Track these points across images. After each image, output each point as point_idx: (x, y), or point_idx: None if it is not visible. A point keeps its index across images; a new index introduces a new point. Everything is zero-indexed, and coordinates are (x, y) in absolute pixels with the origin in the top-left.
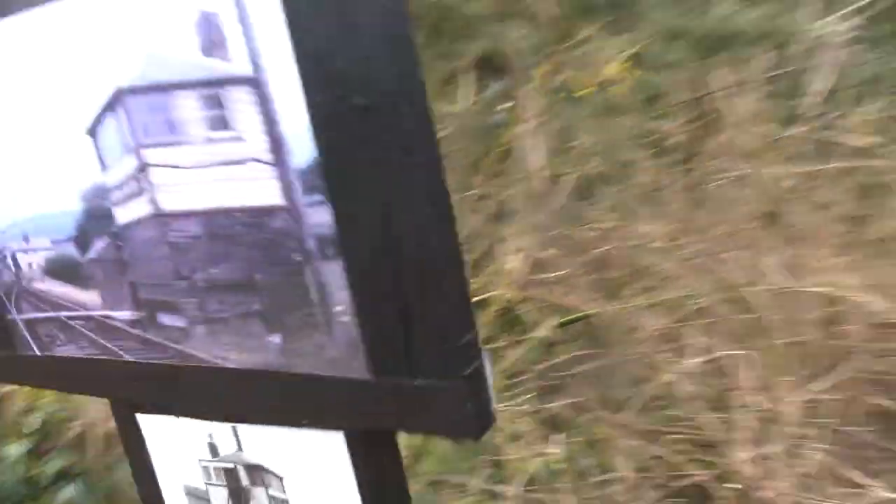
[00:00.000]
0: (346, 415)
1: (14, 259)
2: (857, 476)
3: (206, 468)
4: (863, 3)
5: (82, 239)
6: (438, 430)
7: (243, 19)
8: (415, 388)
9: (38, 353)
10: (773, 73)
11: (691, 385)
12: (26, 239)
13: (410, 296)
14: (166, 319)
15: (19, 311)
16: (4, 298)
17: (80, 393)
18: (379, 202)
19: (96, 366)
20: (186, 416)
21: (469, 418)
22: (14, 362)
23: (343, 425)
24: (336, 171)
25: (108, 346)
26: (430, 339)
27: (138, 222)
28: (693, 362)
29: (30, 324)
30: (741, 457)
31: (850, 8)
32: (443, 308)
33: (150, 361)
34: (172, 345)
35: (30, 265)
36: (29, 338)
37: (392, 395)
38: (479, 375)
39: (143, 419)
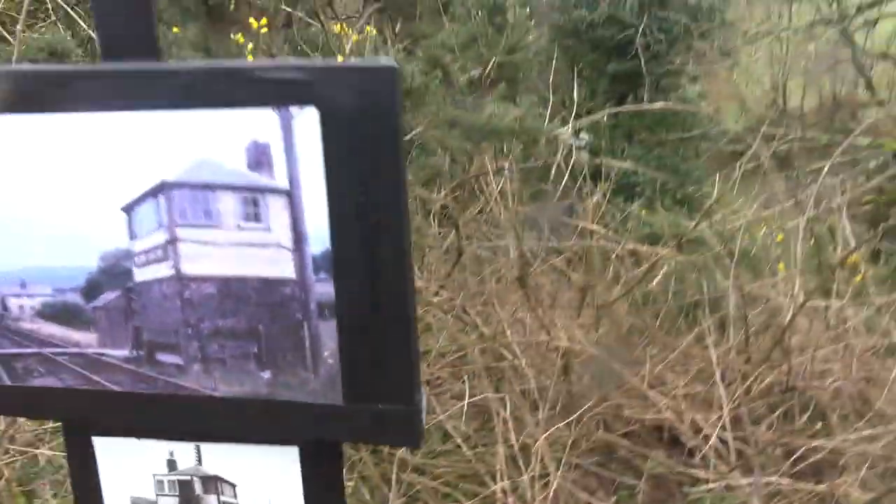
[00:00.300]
0: (318, 431)
1: (3, 302)
2: (588, 499)
3: (160, 481)
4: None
5: (90, 290)
6: (392, 441)
7: (289, 150)
8: (377, 411)
9: (8, 382)
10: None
11: (453, 424)
12: (23, 286)
13: (381, 347)
14: (164, 358)
15: None
16: None
17: (45, 418)
18: (367, 282)
19: (72, 395)
20: (157, 437)
21: (414, 432)
22: None
23: (315, 439)
24: (341, 260)
25: (94, 378)
26: (390, 376)
27: (157, 281)
28: (456, 405)
29: (6, 358)
30: (500, 486)
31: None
32: (402, 355)
33: (138, 392)
34: (166, 378)
35: (20, 308)
36: (2, 370)
37: (358, 417)
38: (420, 402)
39: (97, 441)
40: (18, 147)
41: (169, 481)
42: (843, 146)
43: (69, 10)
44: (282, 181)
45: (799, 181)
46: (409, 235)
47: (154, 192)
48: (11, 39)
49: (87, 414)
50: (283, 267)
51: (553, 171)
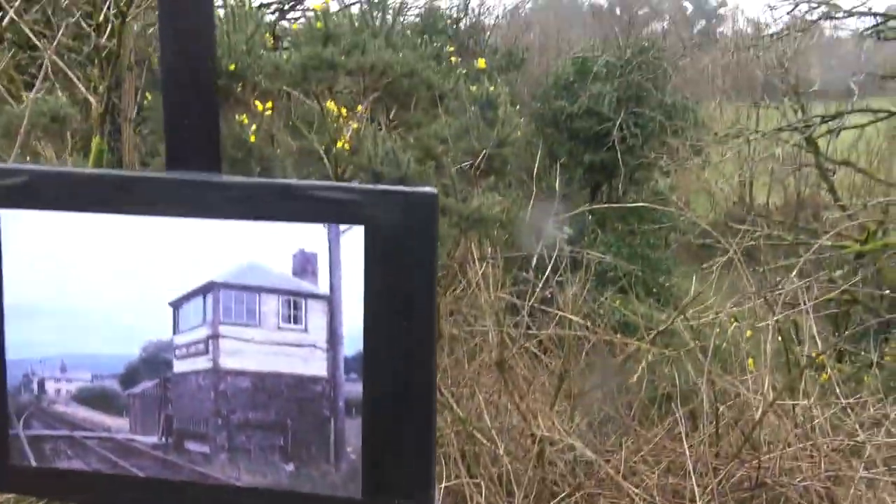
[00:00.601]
0: None
1: (41, 385)
2: None
3: None
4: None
5: (128, 378)
6: None
7: (333, 261)
8: None
9: (34, 463)
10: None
11: None
12: (64, 370)
13: (402, 443)
14: (192, 446)
15: (27, 428)
16: (13, 416)
17: (67, 500)
18: (394, 383)
19: (97, 479)
20: None
21: None
22: (5, 471)
23: None
24: (371, 361)
25: (120, 462)
26: (409, 471)
27: (194, 373)
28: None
29: (35, 439)
30: None
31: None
32: (420, 451)
33: (162, 478)
34: (191, 466)
35: (57, 391)
36: (29, 451)
37: None
38: (434, 496)
39: None
40: (76, 242)
41: None
42: (811, 251)
43: (69, 72)
44: (323, 288)
45: (765, 277)
46: (434, 343)
47: (202, 291)
48: (12, 102)
49: (110, 498)
50: (316, 365)
51: (534, 261)
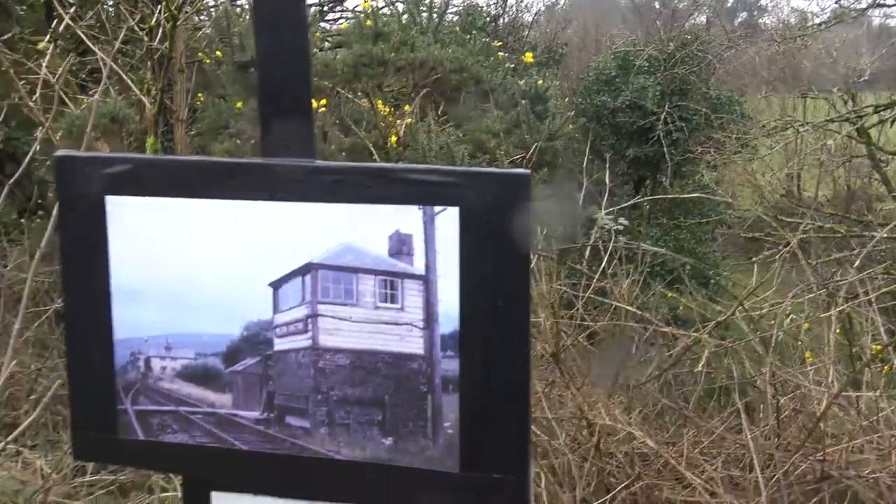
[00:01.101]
0: (430, 497)
1: (147, 363)
2: None
3: None
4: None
5: (231, 356)
6: None
7: (428, 241)
8: (491, 480)
9: (141, 437)
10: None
11: None
12: (169, 348)
13: (499, 419)
14: (293, 421)
15: (134, 403)
16: (121, 392)
17: (171, 472)
18: (490, 360)
19: (201, 451)
20: (274, 495)
21: (525, 501)
22: (112, 444)
23: None
24: (468, 339)
25: (224, 436)
26: (506, 446)
27: (294, 351)
28: None
29: (142, 414)
30: None
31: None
32: (518, 427)
33: (263, 451)
34: (292, 440)
35: (163, 368)
36: (136, 425)
37: (472, 484)
38: (530, 472)
39: (216, 496)
40: (179, 227)
41: None
42: (872, 242)
43: (123, 75)
44: (419, 267)
45: (816, 271)
46: (529, 319)
47: (301, 272)
48: (70, 104)
49: (212, 470)
50: (412, 344)
51: (587, 252)
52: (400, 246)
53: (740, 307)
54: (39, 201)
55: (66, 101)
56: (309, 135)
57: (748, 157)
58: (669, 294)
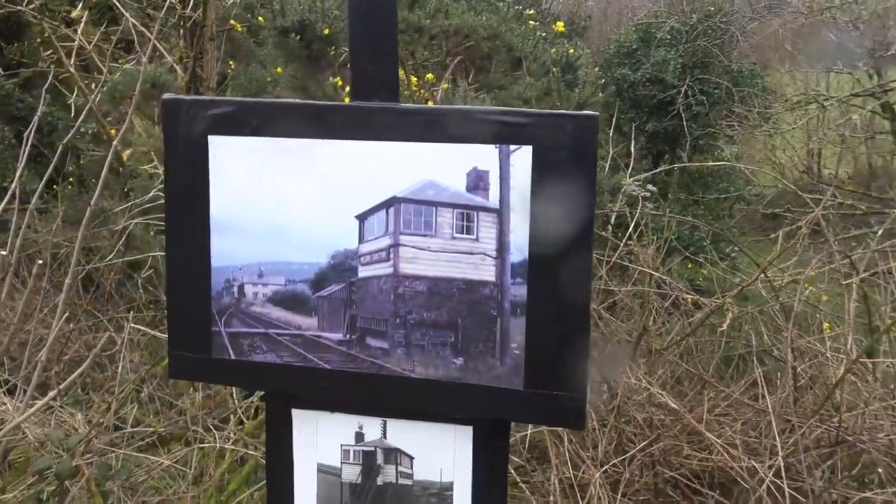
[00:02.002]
0: (497, 411)
1: (241, 289)
2: None
3: (346, 451)
4: (652, 174)
5: (318, 282)
6: (561, 423)
7: (503, 178)
8: (552, 396)
9: (232, 357)
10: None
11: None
12: (261, 275)
13: (561, 342)
14: (373, 342)
15: (227, 326)
16: (216, 315)
17: (258, 389)
18: (554, 289)
19: (287, 370)
20: (349, 412)
21: (582, 416)
22: (206, 363)
23: (490, 419)
24: (536, 267)
25: (309, 356)
26: (566, 367)
27: (376, 278)
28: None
29: (234, 336)
30: None
31: (644, 175)
32: (577, 350)
33: (345, 370)
34: (372, 359)
35: (255, 294)
36: (229, 346)
37: (534, 401)
38: (586, 389)
39: (296, 413)
40: (274, 164)
41: (355, 451)
42: (891, 218)
43: (156, 43)
44: (494, 202)
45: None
46: (592, 250)
47: (385, 205)
48: (104, 70)
49: (296, 387)
50: (485, 271)
51: (613, 219)
52: (477, 182)
53: (762, 276)
54: (70, 168)
55: (102, 67)
56: (394, 79)
57: (770, 131)
58: (690, 265)
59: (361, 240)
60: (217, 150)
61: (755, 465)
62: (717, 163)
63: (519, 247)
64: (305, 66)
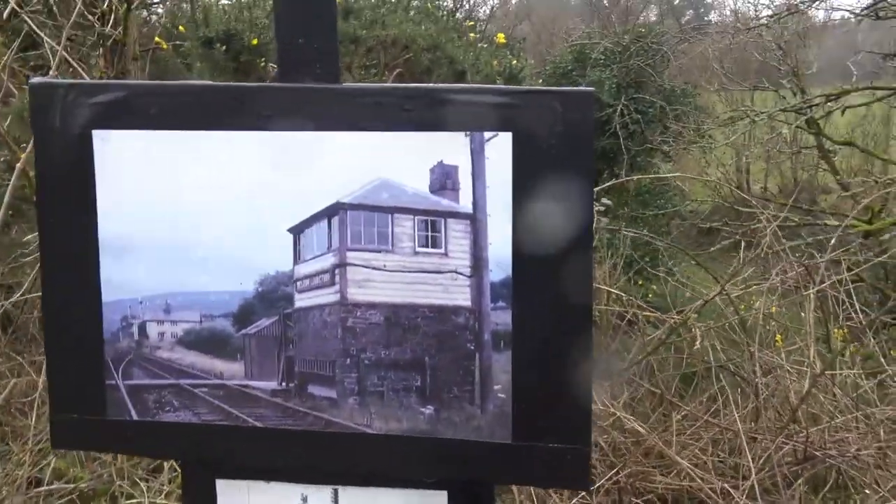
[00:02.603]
0: (477, 472)
1: (142, 328)
2: None
3: None
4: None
5: (243, 316)
6: (560, 483)
7: (477, 173)
8: (548, 450)
9: (134, 417)
10: None
11: None
12: (168, 310)
13: (558, 379)
14: (317, 391)
15: (126, 378)
16: (111, 365)
17: (170, 457)
18: (548, 311)
19: (206, 431)
20: (290, 480)
21: (586, 473)
22: (100, 427)
23: (470, 481)
24: (522, 287)
25: (235, 412)
26: (566, 412)
27: (318, 308)
28: None
29: (136, 389)
30: None
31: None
32: (579, 389)
33: (282, 427)
34: (316, 413)
35: (161, 335)
36: (129, 403)
37: (526, 456)
38: (591, 441)
39: (221, 484)
40: (180, 165)
41: None
42: (840, 228)
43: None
44: (465, 205)
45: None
46: (593, 263)
47: (327, 214)
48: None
49: (221, 452)
50: (457, 294)
51: None
52: (443, 180)
53: (719, 289)
54: None
55: (14, 90)
56: (333, 53)
57: (704, 146)
58: (640, 282)
59: (297, 259)
60: (104, 147)
61: (728, 487)
62: (657, 175)
63: (499, 262)
64: (233, 80)
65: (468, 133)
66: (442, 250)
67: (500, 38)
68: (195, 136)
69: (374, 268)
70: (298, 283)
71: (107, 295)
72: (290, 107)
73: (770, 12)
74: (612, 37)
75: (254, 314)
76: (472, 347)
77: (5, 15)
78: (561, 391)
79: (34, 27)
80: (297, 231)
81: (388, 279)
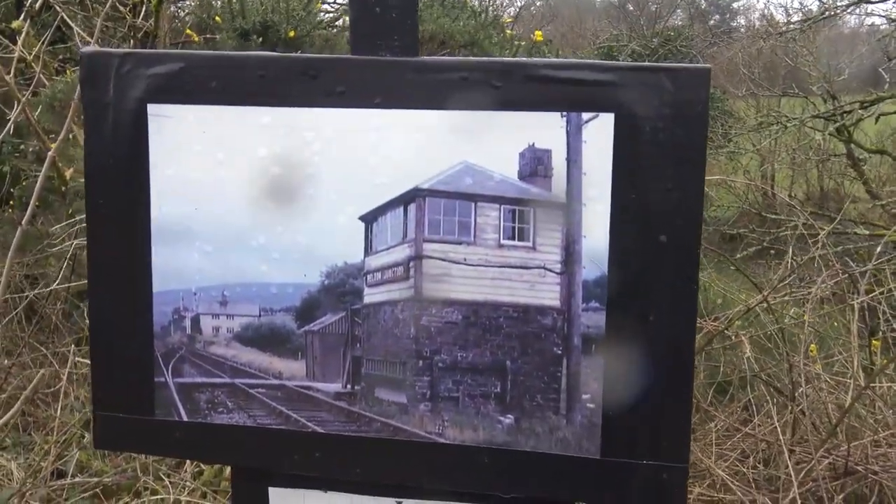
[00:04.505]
0: (559, 490)
1: (195, 322)
2: None
3: None
4: None
5: (306, 311)
6: None
7: (572, 158)
8: (641, 468)
9: (184, 418)
10: None
11: None
12: (224, 303)
13: (655, 390)
14: (384, 395)
15: (177, 375)
16: (161, 361)
17: (222, 462)
18: (648, 314)
19: (262, 435)
20: (350, 491)
21: (683, 496)
22: (147, 427)
23: (550, 500)
24: (619, 286)
25: (293, 416)
26: (662, 427)
27: (390, 304)
28: None
29: (187, 388)
30: None
31: None
32: (678, 402)
33: (345, 434)
34: (383, 419)
35: (215, 329)
36: (179, 403)
37: (615, 474)
38: (688, 458)
39: (274, 493)
40: (242, 144)
41: None
42: (885, 239)
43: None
44: (558, 193)
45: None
46: (698, 261)
47: (402, 200)
48: (46, 85)
49: (274, 459)
50: (545, 292)
51: None
52: (534, 165)
53: (765, 299)
54: (11, 191)
55: (45, 81)
56: (413, 23)
57: (733, 150)
58: None
59: (368, 250)
60: (160, 123)
61: (767, 500)
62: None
63: (594, 258)
64: None
65: (564, 114)
66: (529, 243)
67: (538, 35)
68: (258, 112)
69: (453, 261)
70: (369, 277)
71: (158, 285)
72: (365, 81)
73: (801, 17)
74: (640, 39)
75: (318, 309)
76: (560, 352)
77: (37, 6)
78: (658, 403)
79: (66, 18)
80: (369, 219)
81: (469, 274)
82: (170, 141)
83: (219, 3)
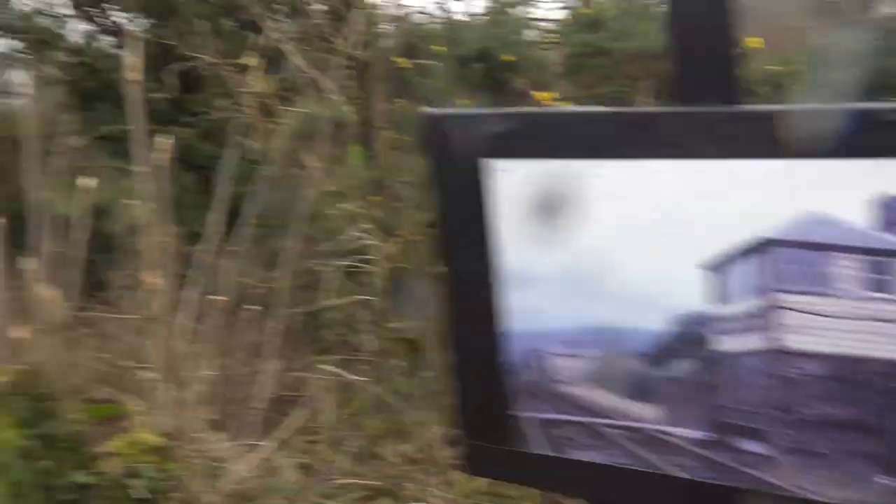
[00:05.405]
0: None
1: (547, 361)
2: None
3: None
4: None
5: (658, 357)
6: None
7: None
8: None
9: (543, 451)
10: None
11: None
12: (574, 345)
13: None
14: (744, 444)
15: (530, 410)
16: (517, 396)
17: (581, 496)
18: None
19: (618, 474)
20: None
21: None
22: (509, 457)
23: None
24: None
25: (650, 458)
26: None
27: (745, 354)
28: None
29: (543, 423)
30: None
31: None
32: None
33: (704, 481)
34: (746, 469)
35: (567, 370)
36: (538, 436)
37: None
38: None
39: None
40: (581, 194)
41: None
42: None
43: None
44: None
45: None
46: None
47: (751, 251)
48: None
49: (633, 498)
50: None
51: None
52: (891, 215)
53: None
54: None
55: (278, 112)
56: (734, 78)
57: None
58: None
59: (718, 299)
60: (503, 178)
61: None
62: None
63: None
64: (488, 96)
65: None
66: (892, 296)
67: (756, 41)
68: (595, 166)
69: (811, 313)
70: (722, 326)
71: (511, 325)
72: (700, 132)
73: None
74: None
75: (670, 355)
76: None
77: (262, 42)
78: None
79: (287, 52)
80: (717, 268)
81: (828, 326)
82: (512, 193)
83: (427, 28)
